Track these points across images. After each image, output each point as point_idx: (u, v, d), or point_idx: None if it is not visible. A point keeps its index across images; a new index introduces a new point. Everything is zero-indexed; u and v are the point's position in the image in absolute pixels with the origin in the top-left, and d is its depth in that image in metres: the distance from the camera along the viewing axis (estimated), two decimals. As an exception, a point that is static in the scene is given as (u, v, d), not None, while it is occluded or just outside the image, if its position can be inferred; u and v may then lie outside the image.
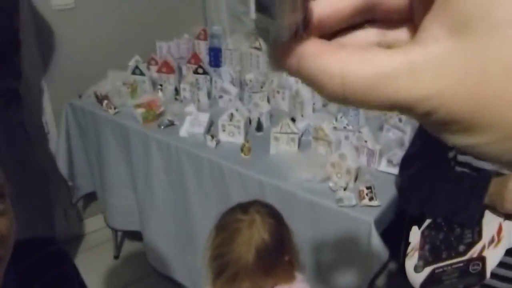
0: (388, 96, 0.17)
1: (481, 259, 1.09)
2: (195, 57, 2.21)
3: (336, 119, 1.63)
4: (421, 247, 1.26)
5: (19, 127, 1.90)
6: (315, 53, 0.19)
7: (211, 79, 2.10)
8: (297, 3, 0.18)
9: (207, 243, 1.17)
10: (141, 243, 2.42)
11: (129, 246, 2.50)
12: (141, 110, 1.89)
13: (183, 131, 1.80)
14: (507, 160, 0.17)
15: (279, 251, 1.12)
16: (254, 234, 1.09)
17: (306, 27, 0.20)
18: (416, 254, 1.26)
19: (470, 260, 1.11)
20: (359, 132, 1.58)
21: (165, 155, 1.83)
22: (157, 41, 2.35)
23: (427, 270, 1.20)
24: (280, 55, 0.20)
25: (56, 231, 2.35)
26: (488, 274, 1.06)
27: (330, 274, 1.50)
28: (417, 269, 1.23)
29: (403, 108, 0.17)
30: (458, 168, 1.23)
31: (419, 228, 1.32)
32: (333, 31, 0.21)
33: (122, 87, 2.06)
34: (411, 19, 0.20)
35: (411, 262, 1.26)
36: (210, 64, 2.27)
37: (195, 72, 2.10)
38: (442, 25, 0.16)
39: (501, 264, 1.10)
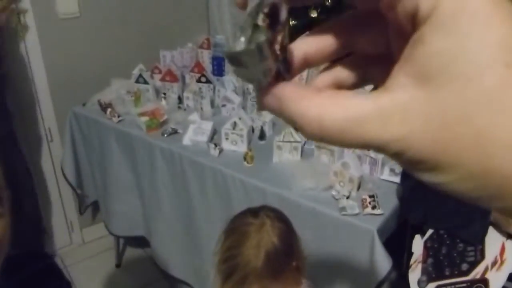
0: (361, 138, 0.19)
1: (484, 281, 1.09)
2: (198, 66, 2.23)
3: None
4: (424, 260, 1.26)
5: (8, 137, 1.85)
6: (295, 98, 0.21)
7: (214, 87, 2.11)
8: (264, 53, 0.20)
9: (216, 247, 1.17)
10: (142, 251, 2.43)
11: (130, 255, 2.49)
12: (144, 119, 1.90)
13: (187, 139, 1.81)
14: (475, 197, 0.18)
15: (288, 255, 1.12)
16: (264, 237, 1.09)
17: (289, 70, 0.22)
18: (419, 267, 1.26)
19: (473, 281, 1.12)
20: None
21: (169, 163, 1.83)
22: (161, 50, 2.37)
23: (431, 286, 1.21)
24: (262, 98, 0.22)
25: (46, 239, 2.35)
26: None
27: (333, 283, 1.49)
28: (420, 284, 1.23)
29: (376, 148, 0.19)
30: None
31: (422, 237, 1.32)
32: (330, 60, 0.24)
33: (125, 95, 2.08)
34: (389, 54, 0.22)
35: (414, 275, 1.26)
36: (213, 73, 2.29)
37: (199, 80, 2.11)
38: (408, 75, 0.18)
39: None
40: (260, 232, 1.10)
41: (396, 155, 0.19)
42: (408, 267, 1.57)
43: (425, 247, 1.28)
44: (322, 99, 0.20)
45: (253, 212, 1.16)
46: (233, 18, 2.66)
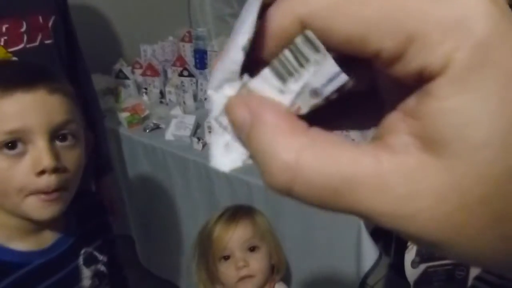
0: (350, 204, 0.15)
1: (466, 265, 1.10)
2: (180, 60, 2.19)
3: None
4: None
5: None
6: (272, 126, 0.16)
7: (196, 81, 2.08)
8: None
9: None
10: (131, 249, 2.39)
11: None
12: (125, 114, 1.86)
13: (169, 134, 1.77)
14: (490, 268, 0.16)
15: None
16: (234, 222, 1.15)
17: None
18: (415, 249, 1.28)
19: (457, 264, 1.12)
20: (347, 131, 1.57)
21: (152, 158, 1.80)
22: (141, 44, 2.32)
23: (422, 267, 1.22)
24: (235, 103, 0.17)
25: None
26: (469, 282, 1.07)
27: (320, 274, 1.48)
28: (413, 264, 1.25)
29: (367, 219, 0.16)
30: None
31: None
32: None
33: (106, 91, 2.03)
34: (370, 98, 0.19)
35: (409, 256, 1.28)
36: (196, 67, 2.25)
37: (180, 74, 2.07)
38: (414, 135, 0.15)
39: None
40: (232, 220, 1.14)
41: (393, 230, 0.15)
42: (396, 255, 1.57)
43: None
44: (308, 140, 0.15)
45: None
46: (214, 10, 2.62)
